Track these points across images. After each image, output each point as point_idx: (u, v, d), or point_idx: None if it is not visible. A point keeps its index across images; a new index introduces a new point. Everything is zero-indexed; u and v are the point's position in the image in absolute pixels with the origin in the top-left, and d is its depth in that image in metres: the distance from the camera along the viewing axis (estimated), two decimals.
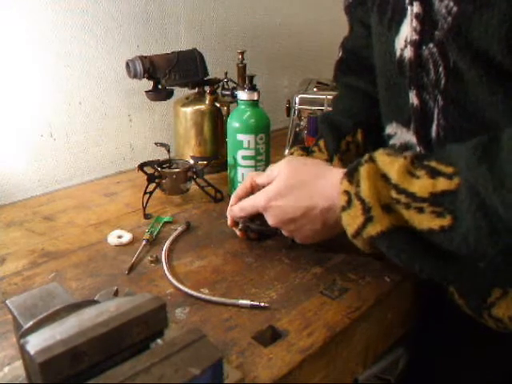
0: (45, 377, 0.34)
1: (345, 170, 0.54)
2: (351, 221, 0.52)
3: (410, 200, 0.47)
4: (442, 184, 0.45)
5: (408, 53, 0.56)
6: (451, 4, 0.49)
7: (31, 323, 0.38)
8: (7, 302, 0.44)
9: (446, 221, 0.44)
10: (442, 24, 0.50)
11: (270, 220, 0.63)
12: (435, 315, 0.70)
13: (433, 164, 0.46)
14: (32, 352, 0.34)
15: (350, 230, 0.52)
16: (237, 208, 0.69)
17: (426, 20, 0.53)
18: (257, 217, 0.70)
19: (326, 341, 0.53)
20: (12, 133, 0.90)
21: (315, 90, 1.15)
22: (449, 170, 0.45)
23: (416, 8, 0.54)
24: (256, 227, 0.70)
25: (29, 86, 0.90)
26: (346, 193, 0.52)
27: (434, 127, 0.56)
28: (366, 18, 0.74)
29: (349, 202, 0.52)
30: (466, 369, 0.65)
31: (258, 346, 0.51)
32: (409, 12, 0.55)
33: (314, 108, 1.10)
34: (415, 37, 0.55)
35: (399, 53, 0.58)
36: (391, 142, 0.65)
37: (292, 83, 1.42)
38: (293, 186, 0.60)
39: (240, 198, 0.72)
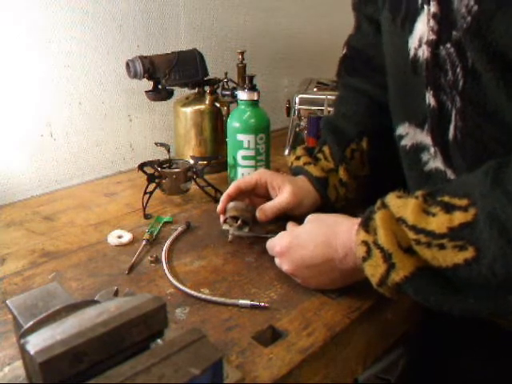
0: (45, 377, 0.34)
1: (359, 220, 0.53)
2: (374, 271, 0.51)
3: (430, 238, 0.46)
4: (459, 217, 0.44)
5: (424, 52, 0.55)
6: (472, 3, 0.47)
7: (31, 323, 0.38)
8: (7, 301, 0.45)
9: (468, 253, 0.44)
10: (460, 24, 0.49)
11: (286, 265, 0.61)
12: (435, 315, 0.70)
13: (446, 199, 0.46)
14: (32, 352, 0.34)
15: (375, 279, 0.51)
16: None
17: (444, 20, 0.51)
18: (243, 223, 0.70)
19: (326, 341, 0.53)
20: (12, 133, 0.90)
21: (315, 90, 1.15)
22: (463, 202, 0.45)
23: (433, 8, 0.52)
24: (246, 234, 0.70)
25: (29, 86, 0.90)
26: (364, 243, 0.51)
27: (452, 128, 0.55)
28: (375, 15, 0.72)
29: (368, 252, 0.51)
30: (466, 369, 0.65)
31: (258, 346, 0.51)
32: (425, 11, 0.54)
33: (313, 108, 1.09)
34: (432, 37, 0.53)
35: (413, 52, 0.57)
36: (402, 142, 0.64)
37: (292, 83, 1.42)
38: (312, 231, 0.60)
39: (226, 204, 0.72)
